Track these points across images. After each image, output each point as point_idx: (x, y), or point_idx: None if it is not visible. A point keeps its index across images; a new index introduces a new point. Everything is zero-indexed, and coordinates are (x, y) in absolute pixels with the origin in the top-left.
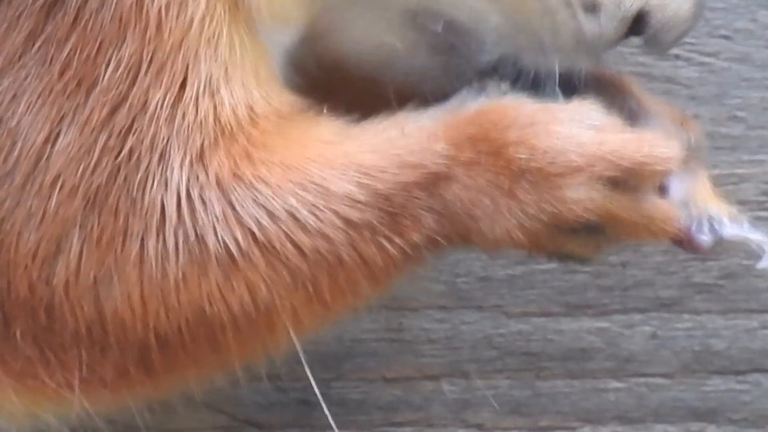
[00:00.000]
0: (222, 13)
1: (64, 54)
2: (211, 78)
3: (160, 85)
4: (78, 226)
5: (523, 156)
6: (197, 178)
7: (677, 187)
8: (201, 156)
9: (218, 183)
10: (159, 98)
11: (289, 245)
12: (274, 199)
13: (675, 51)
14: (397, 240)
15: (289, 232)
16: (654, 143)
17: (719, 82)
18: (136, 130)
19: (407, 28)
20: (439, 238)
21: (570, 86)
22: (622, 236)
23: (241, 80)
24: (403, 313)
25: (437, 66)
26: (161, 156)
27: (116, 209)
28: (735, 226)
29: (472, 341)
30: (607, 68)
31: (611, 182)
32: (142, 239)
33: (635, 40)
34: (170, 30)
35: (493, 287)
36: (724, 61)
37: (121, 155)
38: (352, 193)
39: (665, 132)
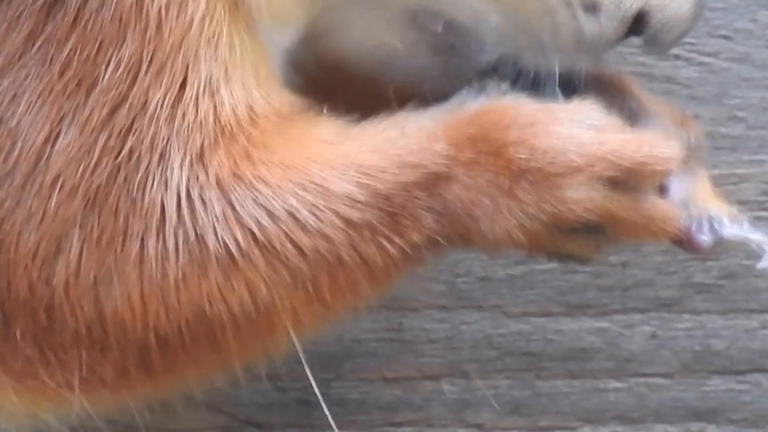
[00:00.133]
0: (222, 13)
1: (64, 54)
2: (211, 78)
3: (160, 85)
4: (78, 226)
5: (523, 156)
6: (197, 178)
7: (677, 187)
8: (201, 156)
9: (218, 183)
10: (159, 98)
11: (289, 245)
12: (274, 199)
13: (675, 51)
14: (397, 240)
15: (289, 232)
16: (654, 143)
17: (719, 82)
18: (136, 130)
19: (407, 28)
20: (439, 238)
21: (570, 86)
22: (622, 236)
23: (241, 80)
24: (403, 313)
25: (437, 66)
26: (161, 156)
27: (116, 209)
28: (735, 226)
29: (472, 341)
30: (607, 68)
31: (611, 182)
32: (142, 239)
33: (635, 40)
34: (170, 30)
35: (493, 287)
36: (724, 61)
37: (121, 155)
38: (352, 193)
39: (665, 132)
